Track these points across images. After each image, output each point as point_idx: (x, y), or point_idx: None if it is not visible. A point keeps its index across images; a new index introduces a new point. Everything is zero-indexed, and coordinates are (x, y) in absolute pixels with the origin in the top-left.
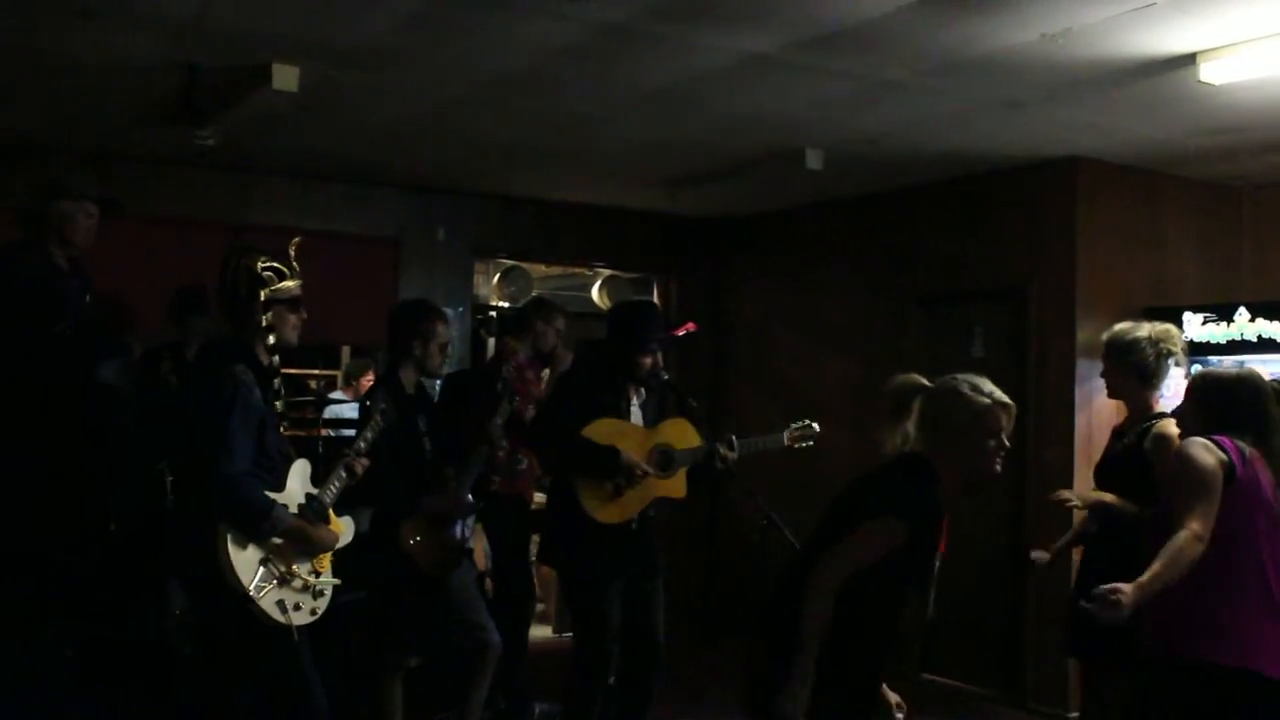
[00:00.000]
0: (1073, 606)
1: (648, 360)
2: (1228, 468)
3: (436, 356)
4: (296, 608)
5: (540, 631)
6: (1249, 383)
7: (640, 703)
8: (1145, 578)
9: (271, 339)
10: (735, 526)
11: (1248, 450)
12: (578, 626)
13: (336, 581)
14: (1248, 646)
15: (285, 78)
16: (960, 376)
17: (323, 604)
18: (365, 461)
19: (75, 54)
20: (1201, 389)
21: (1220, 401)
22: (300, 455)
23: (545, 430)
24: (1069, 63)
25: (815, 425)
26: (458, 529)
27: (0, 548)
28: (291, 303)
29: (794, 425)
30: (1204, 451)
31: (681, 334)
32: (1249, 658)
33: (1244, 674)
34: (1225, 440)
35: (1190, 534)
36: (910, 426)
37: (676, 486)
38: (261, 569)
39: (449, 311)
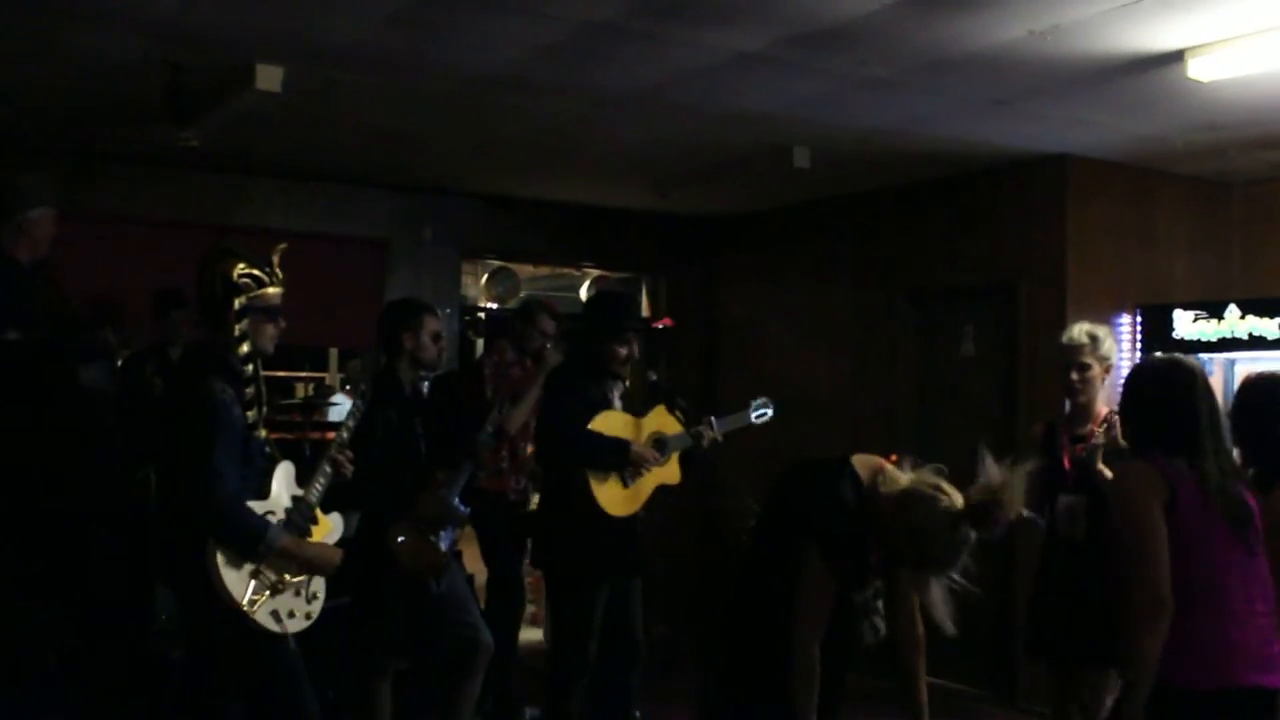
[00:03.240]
0: (1032, 607)
1: (623, 350)
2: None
3: (430, 348)
4: (291, 615)
5: (533, 635)
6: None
7: (620, 700)
8: None
9: (245, 347)
10: (725, 526)
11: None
12: (561, 624)
13: (321, 595)
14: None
15: (269, 78)
16: None
17: (316, 608)
18: (349, 454)
19: (56, 53)
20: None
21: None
22: (285, 458)
23: (553, 430)
24: (1057, 60)
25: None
26: (443, 538)
27: None
28: (269, 311)
29: (753, 401)
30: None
31: (659, 327)
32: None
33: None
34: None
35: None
36: None
37: (672, 473)
38: (253, 581)
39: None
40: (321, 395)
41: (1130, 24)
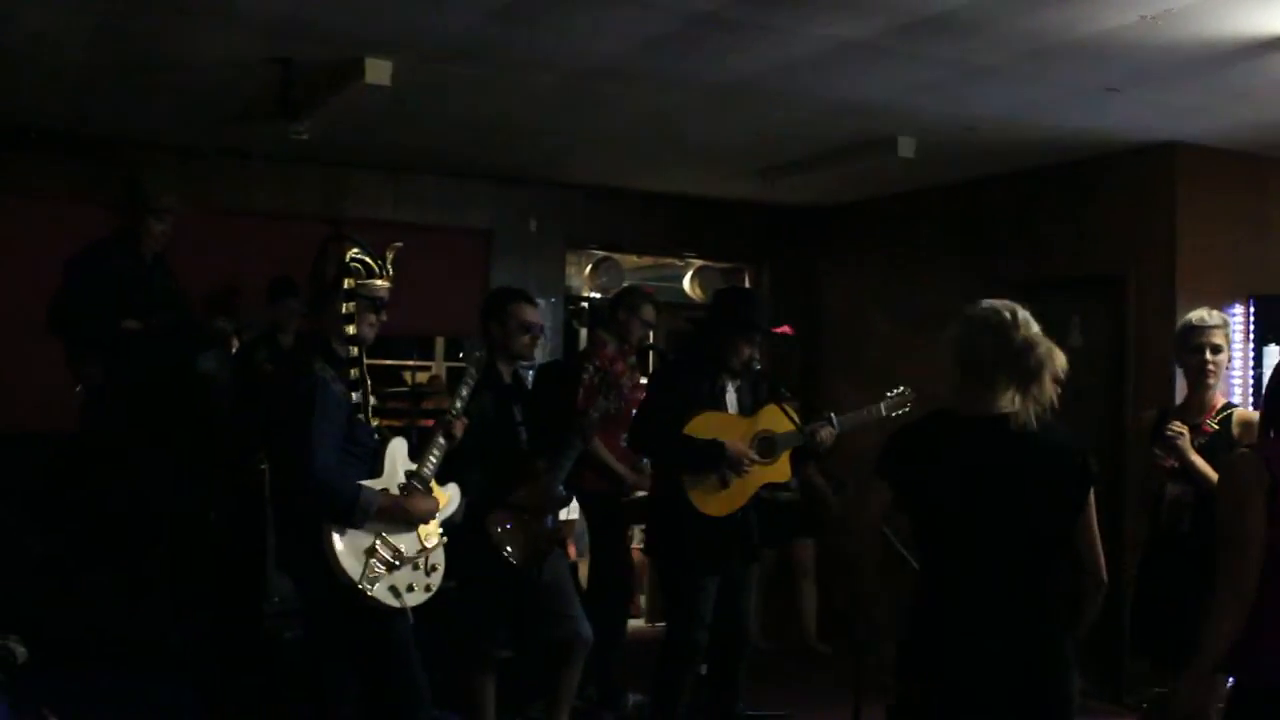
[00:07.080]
0: (1137, 602)
1: (746, 349)
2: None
3: (516, 339)
4: (410, 589)
5: (632, 622)
6: None
7: (728, 691)
8: None
9: (350, 329)
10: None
11: None
12: (672, 615)
13: (441, 566)
14: None
15: (378, 72)
16: (978, 313)
17: (436, 579)
18: (464, 421)
19: (171, 51)
20: None
21: None
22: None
23: (647, 432)
24: (1168, 45)
25: (909, 390)
26: (548, 521)
27: (100, 536)
28: (373, 301)
29: (890, 394)
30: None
31: (778, 332)
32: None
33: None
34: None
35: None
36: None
37: (781, 471)
38: (369, 559)
39: (540, 302)
40: (432, 386)
41: (1244, 7)
